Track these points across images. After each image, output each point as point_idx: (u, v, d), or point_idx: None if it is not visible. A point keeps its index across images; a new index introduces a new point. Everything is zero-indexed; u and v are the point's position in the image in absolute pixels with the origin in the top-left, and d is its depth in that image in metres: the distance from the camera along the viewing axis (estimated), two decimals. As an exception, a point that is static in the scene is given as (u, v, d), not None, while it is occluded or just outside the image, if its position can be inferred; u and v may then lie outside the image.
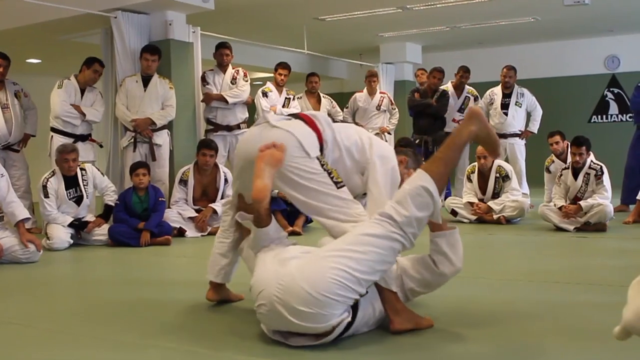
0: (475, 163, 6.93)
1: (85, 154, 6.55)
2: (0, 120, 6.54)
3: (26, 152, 7.00)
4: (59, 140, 6.36)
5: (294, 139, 2.74)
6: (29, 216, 5.44)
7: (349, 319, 2.50)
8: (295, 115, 3.03)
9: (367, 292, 2.54)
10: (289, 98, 7.74)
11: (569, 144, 6.31)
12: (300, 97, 8.25)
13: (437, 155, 2.67)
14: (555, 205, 6.15)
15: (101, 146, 6.96)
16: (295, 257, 2.57)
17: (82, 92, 6.62)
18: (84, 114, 6.55)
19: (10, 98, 6.68)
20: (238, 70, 7.23)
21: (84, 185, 5.85)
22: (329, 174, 2.75)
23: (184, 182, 6.42)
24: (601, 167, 6.03)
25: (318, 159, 2.77)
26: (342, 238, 2.58)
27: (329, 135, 2.89)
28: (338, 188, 2.74)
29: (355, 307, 2.54)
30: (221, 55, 7.13)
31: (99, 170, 6.11)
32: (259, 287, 2.55)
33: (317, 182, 2.73)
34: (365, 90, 8.80)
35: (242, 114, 7.24)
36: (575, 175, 6.09)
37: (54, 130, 6.53)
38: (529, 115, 8.24)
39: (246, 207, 2.98)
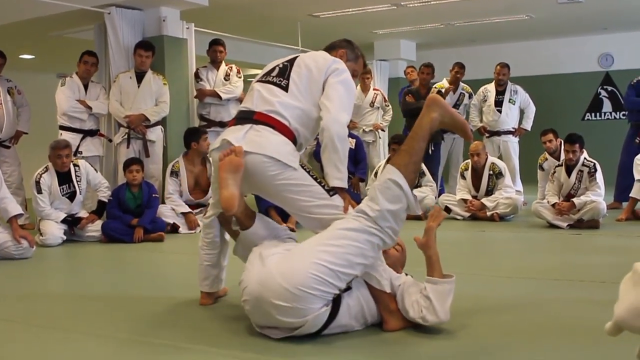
0: (469, 160, 6.94)
1: (94, 148, 6.63)
2: (-9, 116, 6.52)
3: (19, 148, 6.97)
4: (67, 137, 6.31)
5: (271, 161, 2.73)
6: (22, 212, 5.42)
7: (328, 312, 2.52)
8: (252, 120, 2.84)
9: (349, 287, 2.58)
10: None
11: (563, 141, 6.33)
12: None
13: (402, 147, 2.71)
14: (548, 202, 6.16)
15: (110, 140, 6.94)
16: (276, 254, 2.61)
17: (86, 88, 6.61)
18: (90, 108, 6.53)
19: (2, 95, 6.65)
20: (231, 67, 7.23)
21: (77, 181, 5.83)
22: (319, 182, 2.78)
23: (175, 173, 6.45)
24: (594, 164, 6.05)
25: (302, 167, 2.79)
26: (319, 234, 2.63)
27: (292, 119, 2.85)
28: (331, 196, 2.77)
29: (337, 301, 2.56)
30: (214, 52, 7.13)
31: (92, 166, 6.10)
32: (244, 283, 2.62)
33: (311, 192, 2.76)
34: (358, 87, 8.78)
35: (236, 110, 7.20)
36: (569, 173, 6.11)
37: (62, 127, 6.50)
38: (522, 113, 8.24)
39: (227, 218, 3.03)
